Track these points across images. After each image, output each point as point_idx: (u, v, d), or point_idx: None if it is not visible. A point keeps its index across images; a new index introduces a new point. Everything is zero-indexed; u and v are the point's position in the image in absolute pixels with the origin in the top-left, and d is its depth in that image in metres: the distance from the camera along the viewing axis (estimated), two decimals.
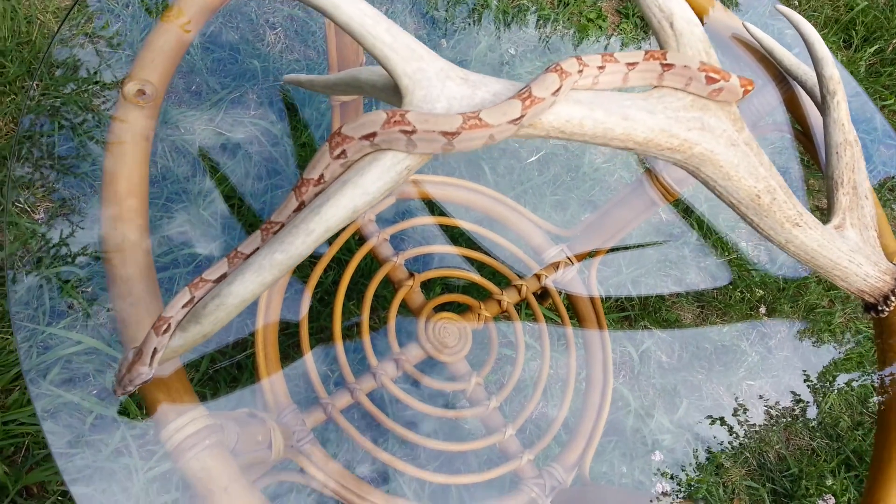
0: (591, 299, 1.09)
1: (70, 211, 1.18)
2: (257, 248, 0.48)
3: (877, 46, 2.04)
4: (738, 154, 0.55)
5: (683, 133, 0.52)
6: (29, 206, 1.19)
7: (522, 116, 0.46)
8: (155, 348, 0.49)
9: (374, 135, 0.45)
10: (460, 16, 1.66)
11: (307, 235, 0.44)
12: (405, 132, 0.44)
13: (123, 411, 1.03)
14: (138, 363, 0.50)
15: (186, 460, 0.49)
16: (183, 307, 0.49)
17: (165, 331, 0.49)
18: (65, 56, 1.19)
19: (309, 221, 0.44)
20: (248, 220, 1.22)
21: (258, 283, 0.44)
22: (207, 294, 0.46)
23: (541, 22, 1.74)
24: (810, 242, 0.63)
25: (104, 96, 1.28)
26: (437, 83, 0.47)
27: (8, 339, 1.08)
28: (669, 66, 0.52)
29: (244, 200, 1.25)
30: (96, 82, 1.24)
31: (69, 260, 1.04)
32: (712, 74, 0.53)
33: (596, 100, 0.50)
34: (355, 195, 0.44)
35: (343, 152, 0.46)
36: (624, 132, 0.50)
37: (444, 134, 0.44)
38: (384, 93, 0.52)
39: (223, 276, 0.49)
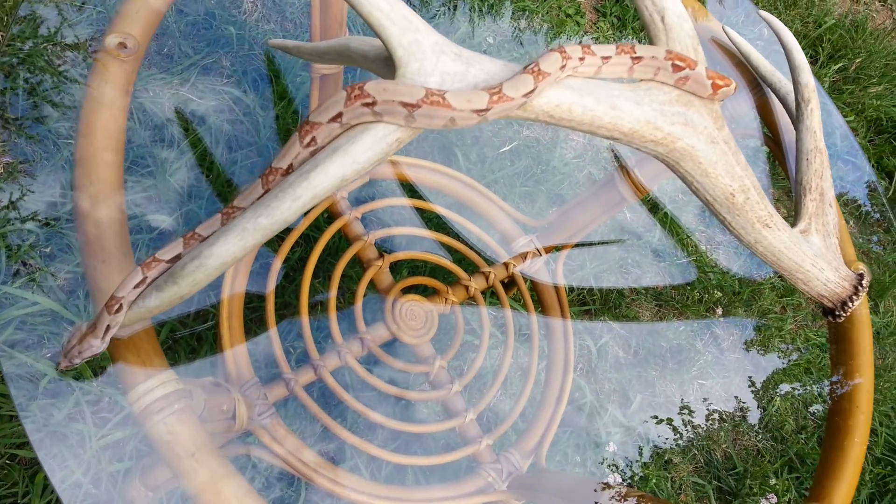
0: (557, 289, 1.10)
1: (28, 170, 1.14)
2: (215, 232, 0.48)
3: (841, 64, 2.10)
4: (717, 151, 0.56)
5: (667, 127, 0.53)
6: None
7: (487, 110, 0.46)
8: (108, 325, 0.50)
9: (340, 115, 0.45)
10: (439, 1, 1.66)
11: (293, 201, 0.43)
12: (367, 104, 0.44)
13: (78, 376, 1.01)
14: (91, 335, 0.50)
15: (153, 423, 0.48)
16: (135, 287, 0.49)
17: (117, 310, 0.49)
18: (27, 11, 1.14)
19: (297, 187, 0.43)
20: (216, 188, 1.20)
21: (240, 247, 0.44)
22: (187, 255, 0.45)
23: (520, 13, 1.75)
24: (778, 244, 0.65)
25: (65, 57, 1.24)
26: (431, 57, 0.46)
27: None
28: (638, 58, 0.53)
29: (212, 169, 1.22)
30: (62, 43, 1.20)
31: (26, 219, 1.01)
32: (678, 62, 0.53)
33: (586, 87, 0.50)
34: (345, 163, 0.44)
35: (313, 139, 0.46)
36: (611, 121, 0.51)
37: (405, 105, 0.44)
38: (375, 64, 0.52)
39: (177, 257, 0.49)
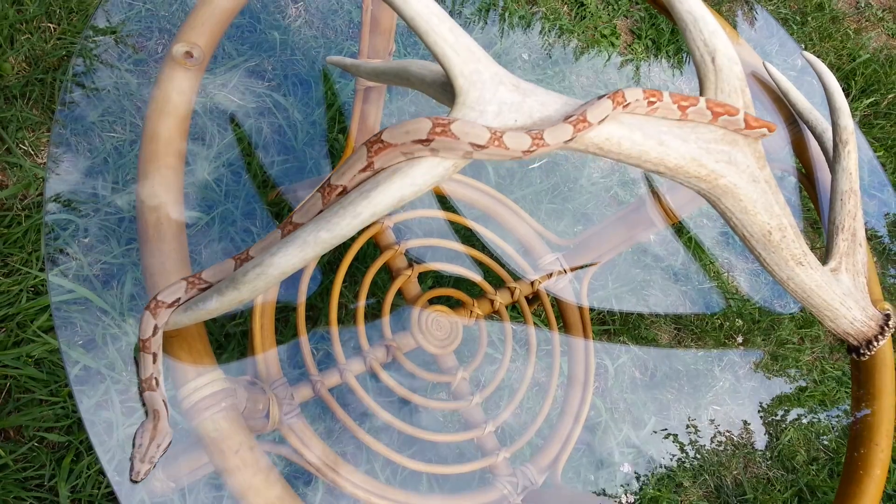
0: (580, 309, 1.11)
1: (72, 161, 1.17)
2: (208, 286, 0.51)
3: (873, 99, 2.10)
4: (757, 190, 0.58)
5: (712, 164, 0.55)
6: (33, 150, 1.18)
7: (572, 139, 0.49)
8: (164, 401, 0.51)
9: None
10: (479, 16, 1.68)
11: (354, 218, 0.45)
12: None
13: (110, 365, 1.03)
14: (160, 421, 0.50)
15: (201, 420, 0.50)
16: (154, 363, 0.51)
17: (157, 384, 0.51)
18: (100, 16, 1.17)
19: (357, 205, 0.45)
20: (252, 189, 1.22)
21: (300, 258, 0.46)
22: (249, 263, 0.47)
23: (557, 31, 1.76)
24: (809, 282, 0.66)
25: (112, 52, 1.28)
26: (490, 87, 0.48)
27: None
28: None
29: (249, 170, 1.25)
30: (114, 33, 1.24)
31: (66, 209, 1.04)
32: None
33: (636, 122, 0.52)
34: (404, 185, 0.46)
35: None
36: (658, 156, 0.53)
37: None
38: (432, 88, 0.54)
39: (177, 301, 0.50)
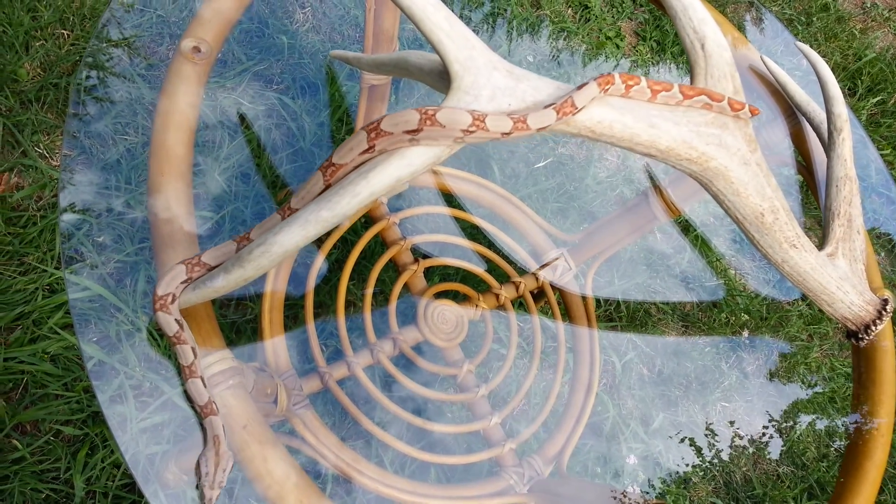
0: (585, 301, 1.13)
1: (85, 162, 1.20)
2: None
3: (880, 98, 2.10)
4: (749, 172, 0.59)
5: (702, 146, 0.56)
6: (48, 152, 1.21)
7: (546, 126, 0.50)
8: (223, 424, 0.52)
9: (416, 130, 0.49)
10: (485, 20, 1.70)
11: (353, 197, 0.47)
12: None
13: (124, 361, 1.06)
14: (221, 445, 0.51)
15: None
16: (205, 387, 0.52)
17: (217, 409, 0.52)
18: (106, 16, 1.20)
19: (356, 184, 0.47)
20: (261, 189, 1.25)
21: (302, 236, 0.48)
22: (253, 242, 0.49)
23: (562, 34, 1.78)
24: (804, 265, 0.68)
25: (122, 57, 1.31)
26: (485, 72, 0.50)
27: (16, 278, 1.10)
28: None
29: (259, 170, 1.28)
30: (125, 39, 1.27)
31: (81, 210, 1.06)
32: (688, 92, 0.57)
33: (627, 105, 0.54)
34: (401, 165, 0.47)
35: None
36: (649, 139, 0.54)
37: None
38: (430, 77, 0.56)
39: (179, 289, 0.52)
